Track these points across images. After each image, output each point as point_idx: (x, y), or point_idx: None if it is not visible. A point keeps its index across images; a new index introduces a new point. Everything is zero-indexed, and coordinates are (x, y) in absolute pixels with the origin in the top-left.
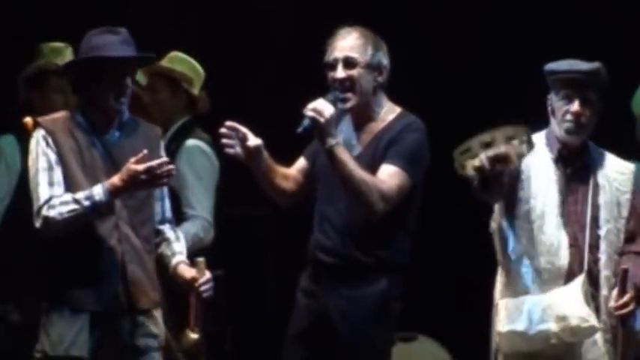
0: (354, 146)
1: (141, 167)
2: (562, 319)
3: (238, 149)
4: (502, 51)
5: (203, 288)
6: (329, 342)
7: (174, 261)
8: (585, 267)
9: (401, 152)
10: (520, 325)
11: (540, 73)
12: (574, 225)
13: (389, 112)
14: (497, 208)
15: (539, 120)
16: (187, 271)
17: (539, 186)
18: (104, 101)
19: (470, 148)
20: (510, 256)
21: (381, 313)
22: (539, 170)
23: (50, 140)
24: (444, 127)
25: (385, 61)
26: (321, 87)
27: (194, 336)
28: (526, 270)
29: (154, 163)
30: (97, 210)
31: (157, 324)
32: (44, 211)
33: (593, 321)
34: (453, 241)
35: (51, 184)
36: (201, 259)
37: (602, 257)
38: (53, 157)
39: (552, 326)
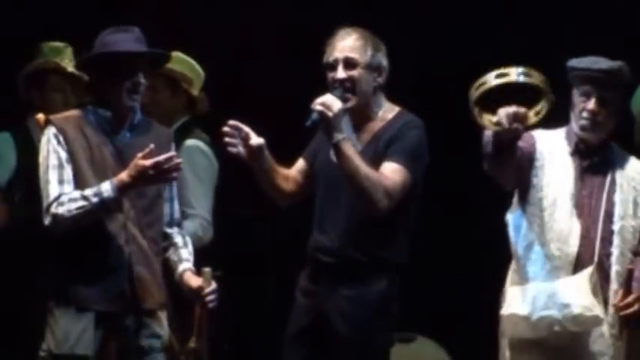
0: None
1: (148, 162)
2: (565, 306)
3: (241, 148)
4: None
5: (209, 298)
6: (328, 342)
7: (180, 267)
8: (596, 259)
9: (402, 149)
10: (523, 310)
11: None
12: (586, 217)
13: (388, 111)
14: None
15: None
16: (194, 280)
17: (553, 175)
18: (117, 99)
19: (485, 82)
20: (521, 242)
21: (381, 313)
22: (556, 160)
23: (61, 138)
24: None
25: (384, 61)
26: (322, 87)
27: (197, 345)
28: (536, 257)
29: (162, 157)
30: (106, 206)
31: (161, 325)
32: (53, 209)
33: (597, 311)
34: (453, 241)
35: (61, 181)
36: (207, 269)
37: (615, 252)
38: (64, 155)
39: (555, 313)
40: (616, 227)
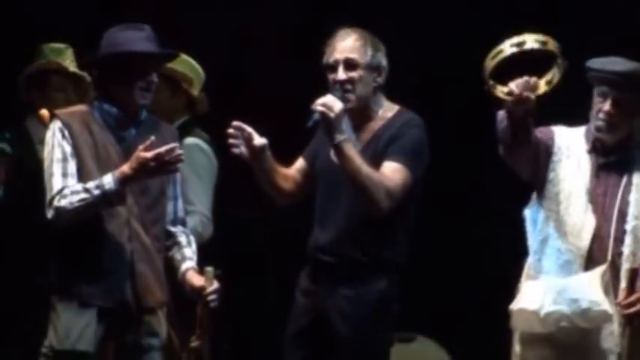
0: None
1: (150, 154)
2: (574, 301)
3: (243, 149)
4: None
5: (211, 298)
6: (328, 342)
7: (183, 266)
8: (609, 257)
9: (402, 148)
10: (533, 305)
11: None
12: (600, 215)
13: (388, 109)
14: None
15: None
16: (196, 279)
17: (570, 170)
18: (128, 97)
19: (501, 50)
20: (537, 237)
21: (381, 313)
22: (573, 156)
23: (66, 132)
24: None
25: (384, 61)
26: (322, 87)
27: (198, 345)
28: (550, 251)
29: (163, 149)
30: (107, 199)
31: (160, 323)
32: (56, 202)
33: (605, 306)
34: (453, 241)
35: (64, 175)
36: (209, 269)
37: (626, 251)
38: (68, 149)
39: (564, 308)
40: (629, 227)
